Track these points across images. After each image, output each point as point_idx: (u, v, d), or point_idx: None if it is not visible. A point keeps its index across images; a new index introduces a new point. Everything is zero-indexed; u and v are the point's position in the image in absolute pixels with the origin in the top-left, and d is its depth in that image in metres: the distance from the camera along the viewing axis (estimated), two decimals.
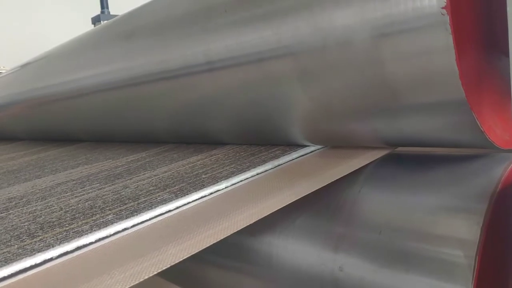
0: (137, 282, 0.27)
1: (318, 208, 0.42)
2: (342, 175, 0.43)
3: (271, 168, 0.47)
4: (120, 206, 0.41)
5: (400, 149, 0.49)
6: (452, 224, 0.35)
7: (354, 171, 0.44)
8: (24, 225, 0.40)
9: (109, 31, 0.77)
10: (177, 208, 0.39)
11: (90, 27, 1.95)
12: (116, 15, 1.91)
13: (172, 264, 0.29)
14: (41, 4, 2.07)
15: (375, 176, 0.46)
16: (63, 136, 0.97)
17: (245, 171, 0.46)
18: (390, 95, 0.39)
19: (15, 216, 0.44)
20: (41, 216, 0.42)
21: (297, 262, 0.40)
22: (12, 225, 0.41)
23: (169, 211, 0.39)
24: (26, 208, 0.46)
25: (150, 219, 0.37)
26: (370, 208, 0.40)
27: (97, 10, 1.93)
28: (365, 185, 0.44)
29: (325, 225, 0.41)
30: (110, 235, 0.35)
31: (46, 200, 0.47)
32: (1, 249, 0.35)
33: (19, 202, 0.48)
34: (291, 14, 0.43)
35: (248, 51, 0.48)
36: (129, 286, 0.27)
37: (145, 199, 0.42)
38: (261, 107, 0.51)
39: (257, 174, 0.46)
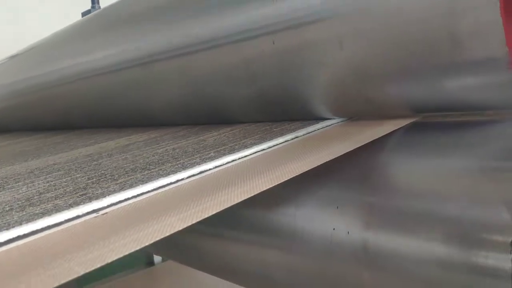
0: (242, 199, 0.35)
1: (344, 178, 0.43)
2: (369, 141, 0.44)
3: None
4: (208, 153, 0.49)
5: (425, 118, 0.50)
6: (490, 186, 0.34)
7: (380, 139, 0.45)
8: (127, 165, 0.47)
9: (114, 13, 0.82)
10: (262, 150, 0.48)
11: None
12: None
13: (263, 190, 0.36)
14: None
15: (402, 143, 0.46)
16: (68, 125, 1.00)
17: (296, 130, 0.56)
18: (435, 52, 0.39)
19: (108, 162, 0.51)
20: (133, 162, 0.49)
21: (324, 234, 0.40)
22: (115, 166, 0.48)
23: (251, 153, 0.48)
24: (111, 159, 0.53)
25: (239, 158, 0.46)
26: (399, 175, 0.41)
27: (87, 5, 1.94)
28: (393, 152, 0.45)
29: (353, 194, 0.41)
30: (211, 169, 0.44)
31: (123, 154, 0.54)
32: (130, 176, 0.43)
33: (96, 157, 0.55)
34: None
35: (289, 16, 0.48)
36: (235, 202, 0.35)
37: (224, 147, 0.50)
38: (289, 77, 0.51)
39: (308, 133, 0.56)
